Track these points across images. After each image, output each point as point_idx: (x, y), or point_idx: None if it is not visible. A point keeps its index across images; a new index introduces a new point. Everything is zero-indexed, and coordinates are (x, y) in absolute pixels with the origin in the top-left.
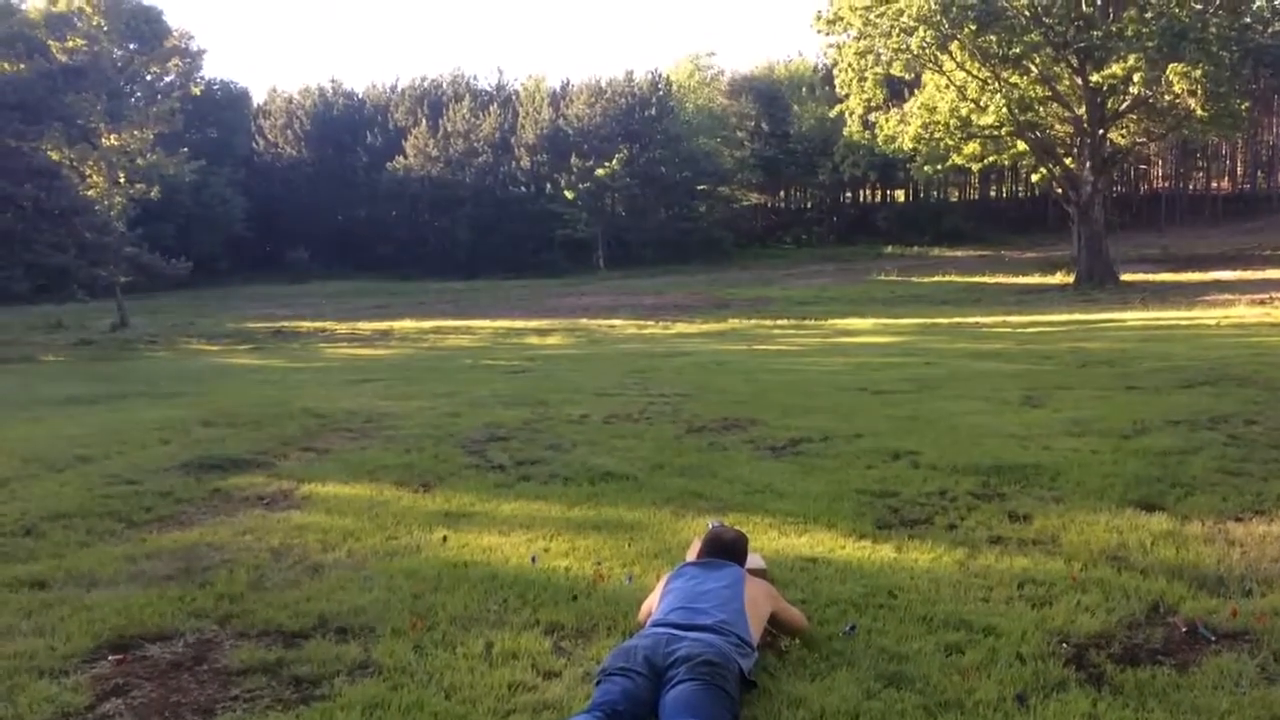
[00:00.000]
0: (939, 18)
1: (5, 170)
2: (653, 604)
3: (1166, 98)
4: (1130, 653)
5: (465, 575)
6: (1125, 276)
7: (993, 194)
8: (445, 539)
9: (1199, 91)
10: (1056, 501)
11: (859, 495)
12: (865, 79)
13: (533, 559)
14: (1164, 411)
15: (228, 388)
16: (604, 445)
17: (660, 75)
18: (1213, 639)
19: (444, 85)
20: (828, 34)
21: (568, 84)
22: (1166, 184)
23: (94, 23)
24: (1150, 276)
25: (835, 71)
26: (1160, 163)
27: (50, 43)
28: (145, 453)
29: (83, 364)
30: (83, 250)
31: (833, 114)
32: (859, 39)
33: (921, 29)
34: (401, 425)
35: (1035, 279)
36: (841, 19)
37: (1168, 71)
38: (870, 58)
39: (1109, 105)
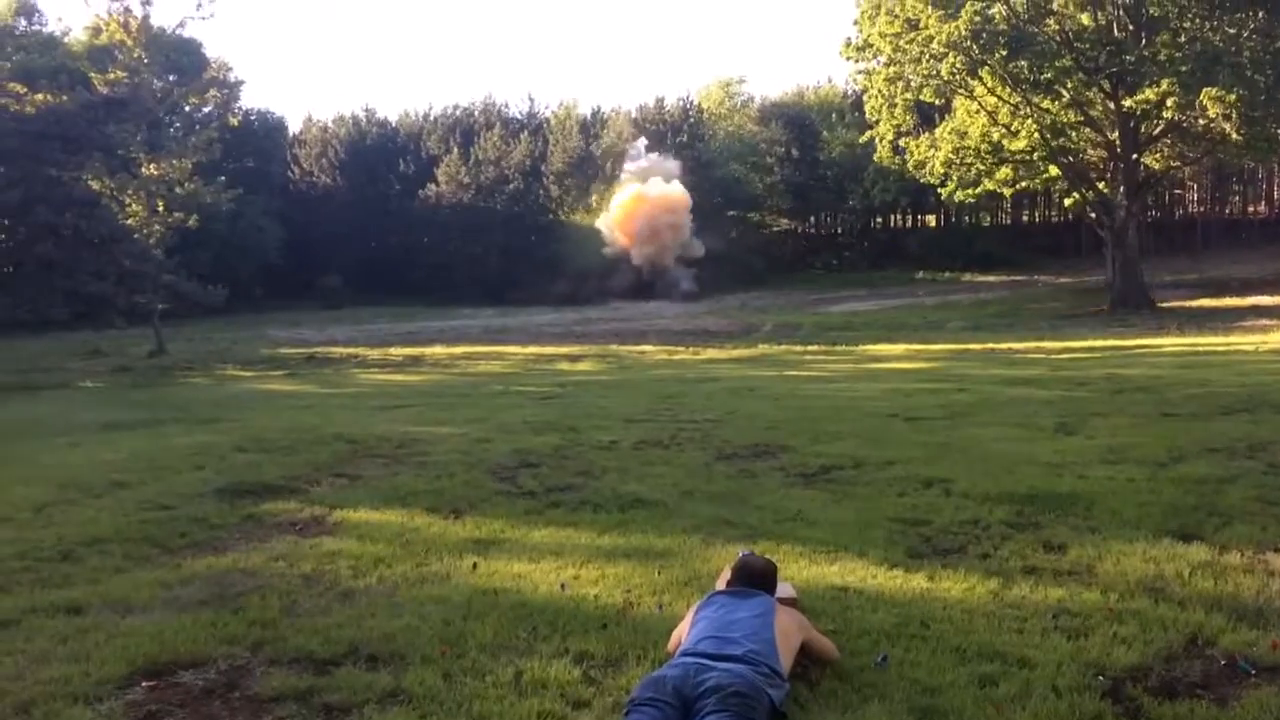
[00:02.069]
0: (969, 44)
1: (47, 200)
2: (682, 633)
3: (1200, 122)
4: (1168, 686)
5: (495, 602)
6: (1161, 302)
7: (1025, 219)
8: (475, 566)
9: (1233, 116)
10: (1092, 531)
11: (891, 523)
12: (895, 105)
13: (562, 586)
14: (1201, 439)
15: (262, 413)
16: (634, 472)
17: (691, 102)
18: (1253, 672)
19: (475, 113)
20: (857, 61)
21: (598, 111)
22: (1202, 208)
23: (135, 55)
24: (1186, 302)
25: (865, 98)
26: (1195, 187)
27: (92, 74)
28: (180, 478)
29: (120, 390)
30: (122, 278)
31: (863, 140)
32: (889, 65)
33: (951, 55)
34: (432, 451)
35: (1069, 304)
36: (871, 46)
37: (1201, 96)
38: (900, 84)
39: (1142, 130)
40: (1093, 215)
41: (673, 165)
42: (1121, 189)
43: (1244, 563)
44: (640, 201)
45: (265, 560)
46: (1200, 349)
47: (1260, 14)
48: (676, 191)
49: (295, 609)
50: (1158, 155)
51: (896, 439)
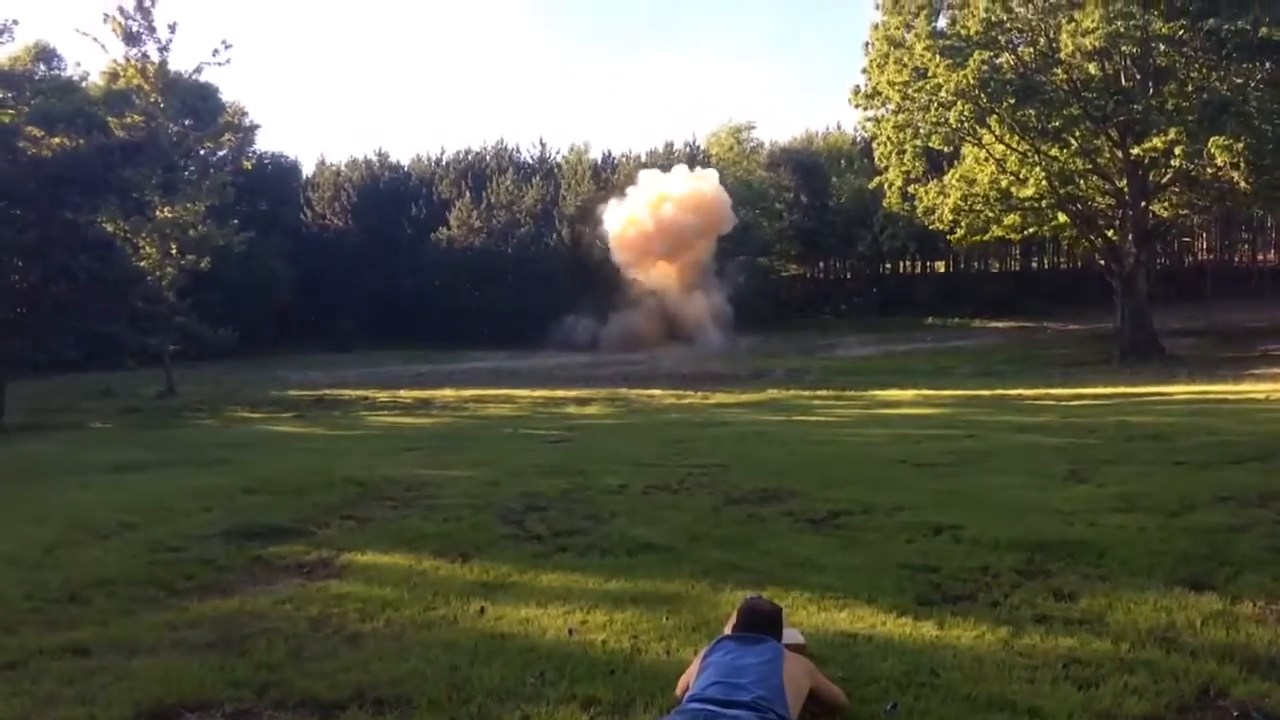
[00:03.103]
0: (977, 92)
1: (63, 242)
2: (690, 678)
3: (1209, 171)
4: None
5: (502, 647)
6: (1170, 349)
7: (1034, 265)
8: (483, 610)
9: (1241, 164)
10: (1103, 579)
11: (900, 570)
12: (904, 151)
13: (570, 631)
14: (1212, 488)
15: (270, 455)
16: (642, 516)
17: (698, 147)
18: None
19: (487, 157)
20: (866, 108)
21: (609, 155)
22: (1211, 256)
23: (152, 99)
24: (1196, 350)
25: (874, 144)
26: (1204, 235)
27: (109, 119)
28: (188, 520)
29: (130, 431)
30: (134, 319)
31: (871, 186)
32: (897, 113)
33: (960, 103)
34: (441, 494)
35: (1079, 351)
36: (880, 94)
37: (1209, 145)
38: (909, 131)
39: (1150, 178)
40: (1102, 262)
41: (710, 174)
42: (1130, 236)
43: (1256, 612)
44: (663, 203)
45: (272, 603)
46: (1210, 397)
47: (1267, 64)
48: (711, 189)
49: (302, 652)
50: (1166, 203)
51: (905, 485)
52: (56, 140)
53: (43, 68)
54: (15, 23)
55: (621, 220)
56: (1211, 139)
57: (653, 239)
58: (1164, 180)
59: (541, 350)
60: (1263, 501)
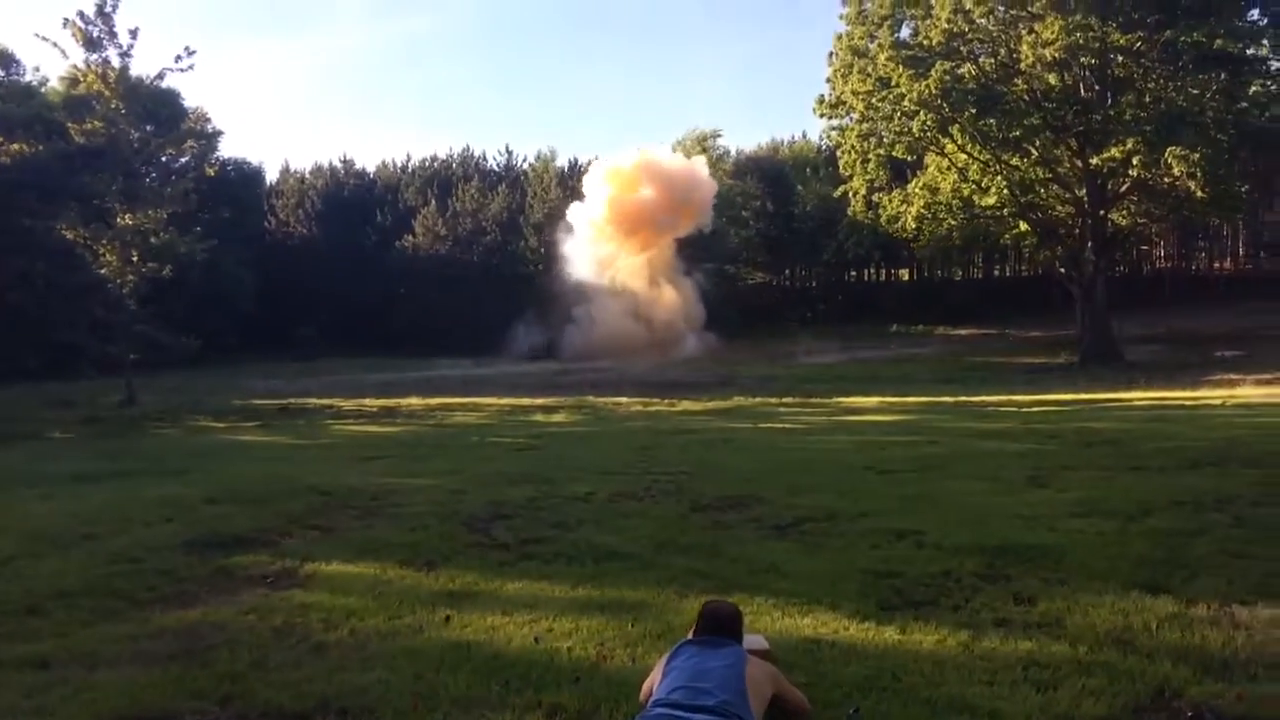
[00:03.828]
0: (939, 102)
1: (21, 248)
2: (654, 683)
3: (1166, 180)
4: None
5: (468, 656)
6: (1130, 356)
7: (996, 273)
8: (448, 619)
9: (1198, 174)
10: (1061, 583)
11: (863, 575)
12: (868, 160)
13: (536, 639)
14: (1169, 492)
15: (233, 465)
16: (608, 524)
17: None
18: None
19: (453, 165)
20: (830, 117)
21: (575, 163)
22: (1169, 264)
23: (113, 105)
24: (1155, 357)
25: (839, 153)
26: (1162, 243)
27: (69, 124)
28: (149, 530)
29: (90, 441)
30: (94, 328)
31: (836, 194)
32: (861, 122)
33: (922, 112)
34: (407, 503)
35: (1040, 358)
36: (844, 103)
37: (1166, 154)
38: (873, 140)
39: (1109, 187)
40: (1062, 270)
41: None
42: (1090, 245)
43: (1211, 615)
44: (649, 171)
45: (235, 613)
46: (1168, 403)
47: (1222, 75)
48: (701, 167)
49: (265, 663)
50: (1125, 212)
51: (870, 491)
52: (15, 146)
53: (0, 73)
54: None
55: (602, 191)
56: (1169, 149)
57: (639, 211)
58: (1122, 189)
59: (508, 358)
60: (1218, 506)
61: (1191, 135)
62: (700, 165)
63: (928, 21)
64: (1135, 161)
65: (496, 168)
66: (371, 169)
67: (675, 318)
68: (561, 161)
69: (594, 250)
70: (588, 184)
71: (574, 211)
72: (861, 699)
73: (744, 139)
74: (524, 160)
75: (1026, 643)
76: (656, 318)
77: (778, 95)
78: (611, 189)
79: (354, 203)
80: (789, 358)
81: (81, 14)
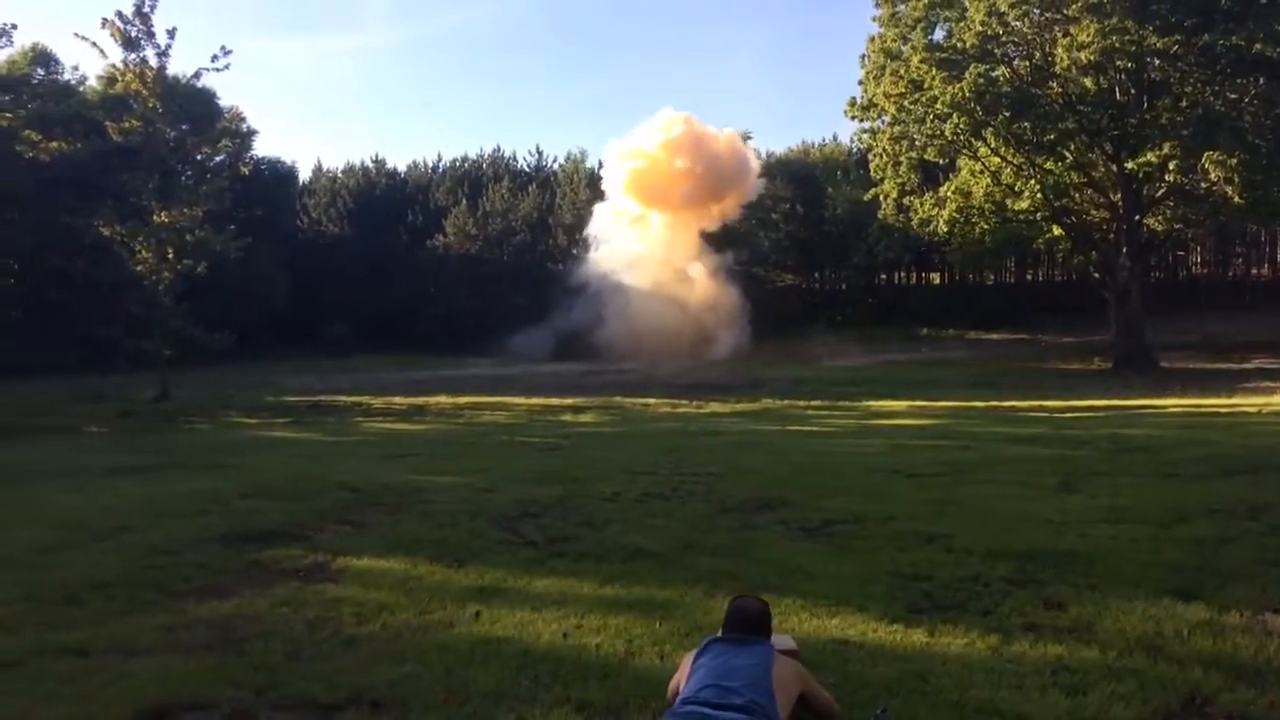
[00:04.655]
0: (973, 105)
1: (59, 245)
2: (681, 680)
3: (1203, 185)
4: None
5: (497, 651)
6: (1164, 362)
7: (1029, 277)
8: (478, 614)
9: (1235, 179)
10: (1092, 589)
11: (891, 578)
12: (900, 163)
13: (564, 635)
14: (1203, 500)
15: (265, 461)
16: (636, 523)
17: None
18: None
19: (483, 165)
20: (862, 120)
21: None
22: (1205, 270)
23: (150, 104)
24: (1189, 363)
25: (870, 156)
26: (1198, 249)
27: (107, 123)
28: (184, 524)
29: (125, 435)
30: (129, 324)
31: (867, 197)
32: (893, 125)
33: (955, 116)
34: (436, 500)
35: (1073, 364)
36: (875, 106)
37: (1203, 159)
38: (904, 143)
39: (1145, 192)
40: (1096, 276)
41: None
42: (1124, 250)
43: (1243, 622)
44: (689, 136)
45: (269, 606)
46: (1203, 410)
47: (1261, 80)
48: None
49: (299, 654)
50: (1160, 217)
51: (898, 495)
52: (54, 144)
53: (40, 72)
54: (14, 27)
55: (632, 156)
56: (1205, 154)
57: (674, 180)
58: (1158, 194)
59: (536, 357)
60: (1252, 514)
61: (1229, 140)
62: (741, 143)
63: (961, 24)
64: (1172, 166)
65: (527, 168)
66: (403, 168)
67: (710, 314)
68: (592, 162)
69: (620, 231)
70: (617, 152)
71: (604, 194)
72: (889, 700)
73: (774, 141)
74: (554, 161)
75: (1056, 647)
76: (690, 316)
77: (809, 98)
78: (642, 156)
79: (385, 202)
80: (818, 361)
81: (120, 14)
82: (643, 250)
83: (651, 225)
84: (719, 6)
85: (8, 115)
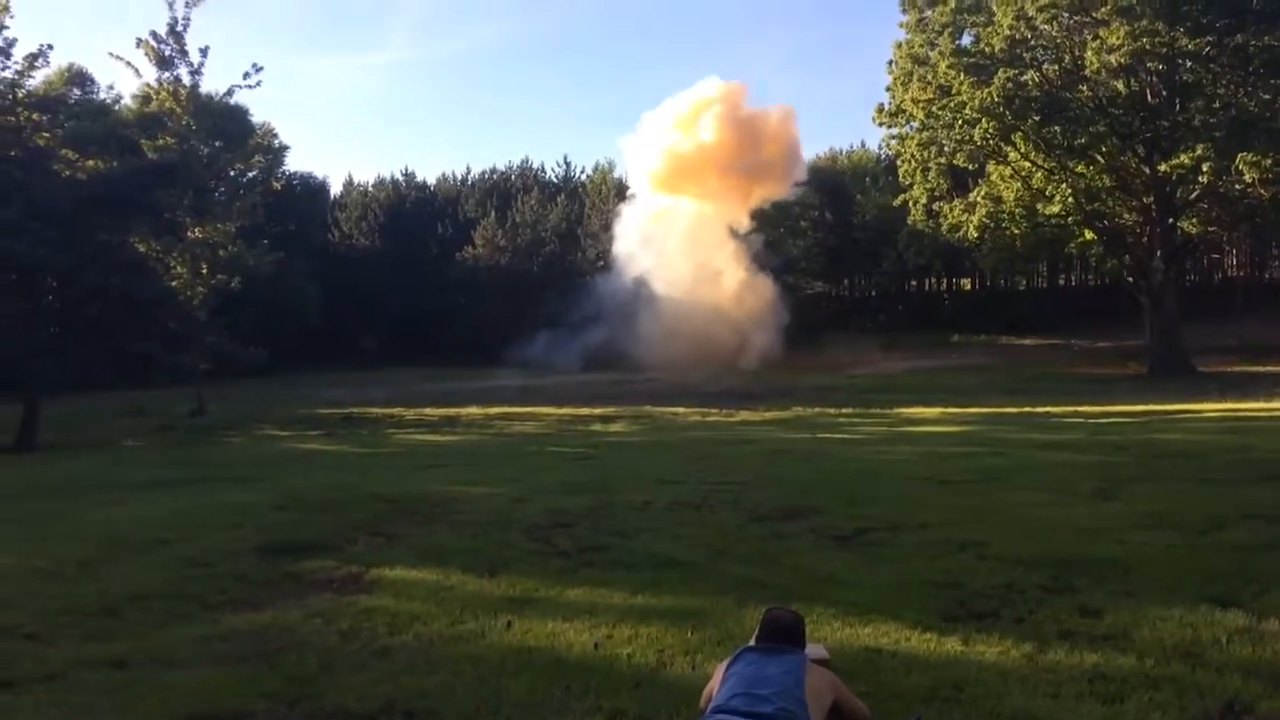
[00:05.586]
0: (1002, 109)
1: (96, 262)
2: (713, 689)
3: (1237, 187)
4: None
5: (529, 660)
6: (1201, 366)
7: (1061, 282)
8: (510, 624)
9: (1270, 180)
10: (1129, 596)
11: (925, 586)
12: (929, 169)
13: (596, 645)
14: (1242, 505)
15: (299, 473)
16: (667, 532)
17: None
18: None
19: (512, 176)
20: (890, 126)
21: None
22: (1241, 273)
23: (184, 122)
24: (1226, 367)
25: (899, 162)
26: (1234, 251)
27: (142, 141)
28: (220, 536)
29: (162, 449)
30: (166, 339)
31: (896, 203)
32: (922, 130)
33: (984, 120)
34: (467, 511)
35: (1107, 369)
36: (904, 112)
37: (1237, 161)
38: (933, 149)
39: (1178, 194)
40: (1130, 280)
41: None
42: (1159, 253)
43: None
44: (729, 107)
45: (303, 617)
46: (1241, 414)
47: None
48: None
49: (333, 665)
50: (1194, 220)
51: (931, 502)
52: (90, 162)
53: (76, 91)
54: (50, 47)
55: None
56: (1239, 155)
57: (708, 156)
58: (1192, 197)
59: (566, 367)
60: None
61: (1263, 141)
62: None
63: (989, 29)
64: (1205, 168)
65: (555, 179)
66: (432, 181)
67: (740, 309)
68: (619, 172)
69: (648, 227)
70: (648, 127)
71: (632, 195)
72: (923, 709)
73: (803, 148)
74: (582, 171)
75: (1092, 655)
76: (721, 317)
77: (836, 105)
78: (677, 129)
79: (415, 215)
80: (848, 368)
81: (154, 33)
82: (672, 245)
83: (681, 215)
84: (744, 16)
85: (45, 135)
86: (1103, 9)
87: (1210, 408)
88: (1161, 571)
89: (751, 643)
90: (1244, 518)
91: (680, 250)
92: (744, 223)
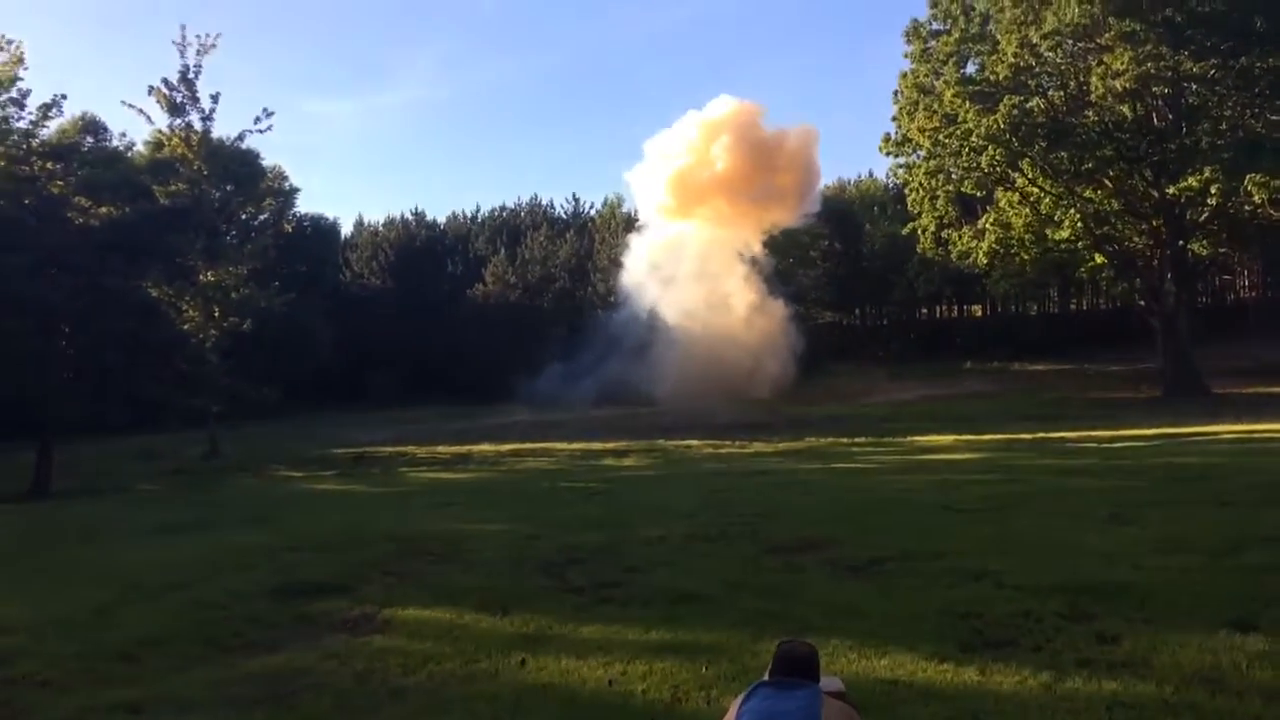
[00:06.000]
0: (1008, 136)
1: (110, 308)
2: None
3: (1246, 208)
4: None
5: (543, 699)
6: (1215, 388)
7: (1073, 306)
8: (524, 662)
9: None
10: (1147, 622)
11: (941, 616)
12: (937, 197)
13: (610, 682)
14: (1259, 528)
15: (313, 513)
16: (682, 566)
17: None
18: None
19: (521, 213)
20: (897, 155)
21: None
22: (1254, 294)
23: (195, 167)
24: (1241, 388)
25: (906, 191)
26: (1246, 273)
27: (154, 187)
28: (234, 578)
29: (176, 492)
30: (179, 382)
31: (905, 231)
32: (929, 159)
33: (991, 147)
34: (480, 548)
35: (1121, 393)
36: (910, 140)
37: (1245, 182)
38: (941, 177)
39: (1188, 216)
40: (1141, 303)
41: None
42: (1169, 276)
43: None
44: (744, 125)
45: (318, 658)
46: (1257, 435)
47: None
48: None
49: (347, 706)
50: (1205, 241)
51: (946, 531)
52: (103, 209)
53: (89, 139)
54: (64, 97)
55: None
56: (1248, 176)
57: (718, 177)
58: (1201, 219)
59: (578, 403)
60: None
61: (1271, 162)
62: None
63: (994, 57)
64: (1214, 190)
65: (564, 215)
66: (442, 220)
67: (752, 335)
68: (628, 207)
69: (657, 255)
70: (659, 147)
71: (641, 225)
72: None
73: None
74: (591, 207)
75: (1111, 683)
76: (733, 344)
77: (843, 135)
78: (688, 152)
79: (425, 253)
80: (860, 397)
81: (166, 81)
82: (682, 271)
83: (690, 240)
84: (750, 49)
85: (59, 183)
86: (1107, 35)
87: (1225, 429)
88: (1179, 596)
89: (765, 677)
90: (1262, 540)
91: (690, 275)
92: (755, 247)
